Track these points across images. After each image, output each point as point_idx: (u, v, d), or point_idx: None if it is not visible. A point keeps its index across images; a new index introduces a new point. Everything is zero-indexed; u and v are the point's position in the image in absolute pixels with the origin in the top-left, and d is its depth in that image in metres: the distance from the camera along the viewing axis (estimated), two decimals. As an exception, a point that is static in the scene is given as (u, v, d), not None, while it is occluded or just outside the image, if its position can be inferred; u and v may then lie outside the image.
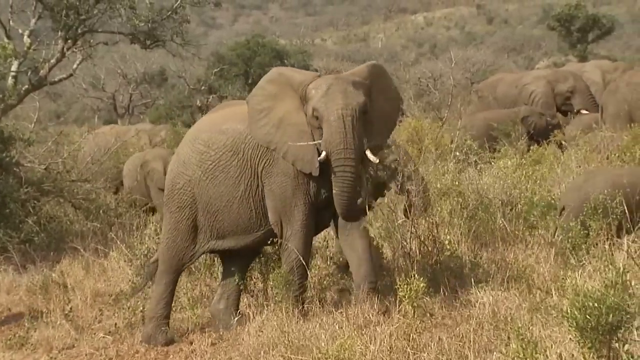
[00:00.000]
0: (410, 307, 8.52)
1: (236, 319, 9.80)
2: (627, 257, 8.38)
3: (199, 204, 9.65)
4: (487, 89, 24.75)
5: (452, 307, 9.08)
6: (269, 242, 9.56)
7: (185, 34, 20.24)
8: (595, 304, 6.74)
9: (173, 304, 10.24)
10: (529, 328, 7.51)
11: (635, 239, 9.26)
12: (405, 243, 10.22)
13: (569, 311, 6.79)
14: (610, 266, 7.27)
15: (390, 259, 10.64)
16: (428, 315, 8.77)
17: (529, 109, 19.81)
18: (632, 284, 7.26)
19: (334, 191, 8.91)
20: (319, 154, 8.95)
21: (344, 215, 9.07)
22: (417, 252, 10.16)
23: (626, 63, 28.85)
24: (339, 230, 9.47)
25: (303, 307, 9.27)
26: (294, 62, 42.96)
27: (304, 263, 9.28)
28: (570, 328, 6.87)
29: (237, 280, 10.10)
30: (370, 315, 8.92)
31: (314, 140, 9.04)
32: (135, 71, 44.01)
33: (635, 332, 6.87)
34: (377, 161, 9.05)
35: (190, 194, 9.69)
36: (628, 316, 6.81)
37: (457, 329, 8.41)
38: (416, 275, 8.68)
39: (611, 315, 6.70)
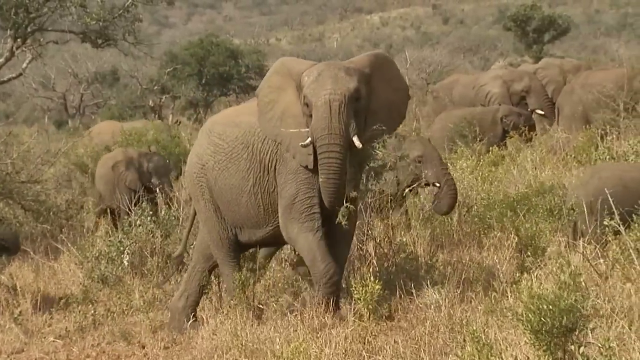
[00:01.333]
0: (365, 309, 8.46)
1: (189, 322, 9.67)
2: (583, 259, 8.36)
3: (214, 192, 9.56)
4: (443, 90, 24.78)
5: (408, 309, 9.03)
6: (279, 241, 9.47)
7: (138, 32, 20.12)
8: (550, 307, 6.71)
9: (126, 307, 10.12)
10: (484, 331, 7.47)
11: (591, 241, 9.25)
12: (360, 245, 10.16)
13: (523, 314, 6.76)
14: (564, 268, 7.25)
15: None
16: (384, 318, 8.69)
17: (508, 107, 19.81)
18: (587, 286, 7.26)
19: (320, 179, 8.61)
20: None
21: (329, 203, 8.71)
22: (373, 253, 10.11)
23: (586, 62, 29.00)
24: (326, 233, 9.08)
25: (337, 307, 8.85)
26: (248, 62, 42.96)
27: (322, 259, 8.79)
28: (525, 331, 6.84)
29: (202, 280, 9.97)
30: (326, 318, 8.84)
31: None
32: (86, 70, 43.76)
33: (590, 334, 6.85)
34: (360, 146, 8.54)
35: (205, 180, 9.61)
36: (583, 318, 6.80)
37: (413, 331, 8.37)
38: (372, 278, 8.63)
39: (566, 318, 6.68)
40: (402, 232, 11.02)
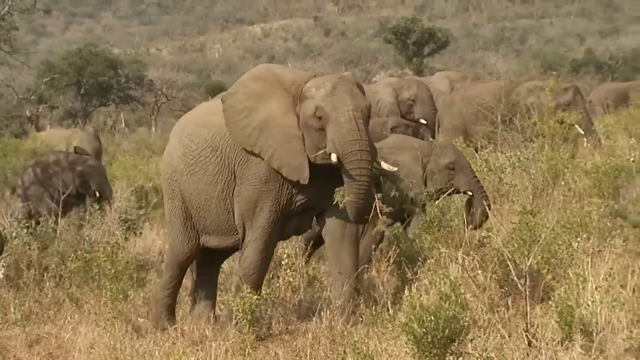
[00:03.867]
0: (245, 321, 8.40)
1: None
2: (462, 270, 8.46)
3: (184, 195, 9.24)
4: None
5: (289, 321, 9.00)
6: None
7: (14, 41, 19.74)
8: (432, 317, 6.77)
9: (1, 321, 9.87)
10: (365, 342, 7.47)
11: (470, 252, 9.35)
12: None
13: (407, 324, 6.81)
14: (445, 279, 7.33)
15: (228, 273, 10.53)
16: (264, 329, 8.65)
17: (397, 119, 19.87)
18: (467, 297, 7.34)
19: (347, 194, 8.43)
20: (310, 160, 8.56)
21: (356, 217, 8.62)
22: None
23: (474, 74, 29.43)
24: (330, 238, 8.95)
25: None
26: (128, 72, 42.54)
27: (259, 272, 8.81)
28: (407, 341, 6.89)
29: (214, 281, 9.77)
30: (206, 331, 8.78)
31: (304, 144, 8.61)
32: (-41, 79, 42.57)
33: (469, 345, 6.93)
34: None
35: (175, 183, 9.31)
36: (463, 329, 6.87)
37: (294, 343, 8.37)
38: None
39: (447, 329, 6.74)
40: (284, 244, 10.96)
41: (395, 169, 9.20)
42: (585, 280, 7.92)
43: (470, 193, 10.89)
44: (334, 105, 8.45)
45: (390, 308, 8.41)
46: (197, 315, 9.43)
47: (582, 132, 17.09)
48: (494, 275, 8.41)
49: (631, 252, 8.86)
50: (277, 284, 9.69)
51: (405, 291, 7.86)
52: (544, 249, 8.33)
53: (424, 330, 6.78)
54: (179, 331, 8.82)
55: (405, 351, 7.12)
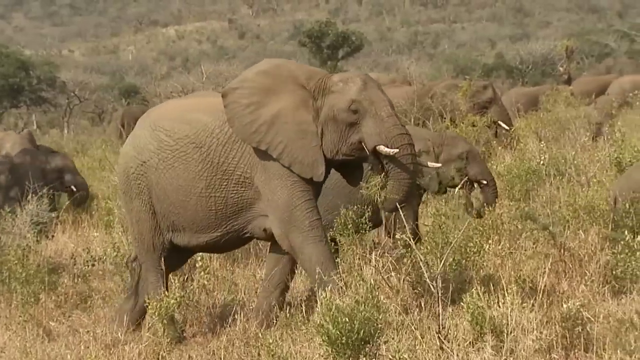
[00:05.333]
0: (160, 324, 8.36)
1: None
2: (376, 272, 8.52)
3: (153, 192, 8.85)
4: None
5: (203, 324, 8.99)
6: (230, 245, 9.04)
7: None
8: (346, 319, 6.81)
9: None
10: (279, 344, 7.48)
11: (385, 254, 9.42)
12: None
13: (321, 325, 6.84)
14: (361, 282, 7.38)
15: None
16: (178, 332, 8.62)
17: None
18: (381, 298, 7.39)
19: (390, 187, 8.25)
20: (327, 156, 8.41)
21: (390, 210, 8.61)
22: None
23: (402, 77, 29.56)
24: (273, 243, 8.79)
25: None
26: (40, 74, 41.97)
27: (329, 263, 8.34)
28: (322, 343, 6.92)
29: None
30: (119, 334, 8.71)
31: (320, 140, 8.42)
32: None
33: (382, 346, 6.99)
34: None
35: (143, 178, 8.88)
36: (377, 331, 6.93)
37: (208, 346, 8.37)
38: (166, 292, 8.54)
39: (362, 331, 6.79)
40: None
41: (439, 165, 9.21)
42: (497, 282, 8.05)
43: (484, 182, 11.00)
44: (371, 100, 8.37)
45: (304, 310, 8.44)
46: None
47: (506, 128, 17.36)
48: (407, 278, 8.48)
49: (541, 254, 9.02)
50: (192, 287, 9.65)
51: (322, 293, 7.88)
52: (456, 251, 8.43)
53: (338, 331, 6.82)
54: (92, 334, 8.74)
55: (320, 353, 7.16)
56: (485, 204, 10.83)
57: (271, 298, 8.85)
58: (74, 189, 15.40)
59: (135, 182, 8.96)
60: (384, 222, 10.52)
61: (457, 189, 10.94)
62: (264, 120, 8.45)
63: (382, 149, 8.22)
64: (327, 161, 8.45)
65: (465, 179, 10.95)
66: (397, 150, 8.18)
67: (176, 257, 9.25)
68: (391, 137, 8.25)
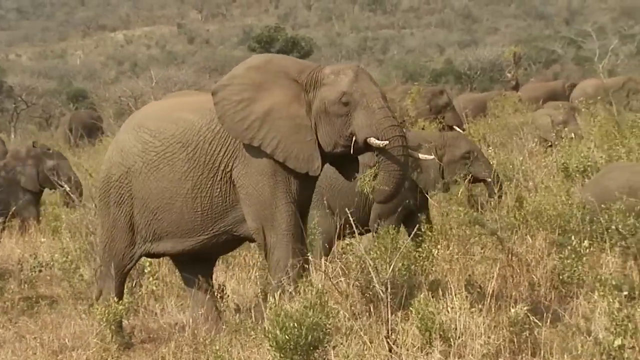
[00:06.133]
0: (108, 330, 8.31)
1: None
2: (325, 278, 8.53)
3: (137, 199, 8.60)
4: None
5: (151, 330, 8.95)
6: (219, 248, 8.80)
7: None
8: (295, 324, 6.82)
9: None
10: (228, 350, 7.49)
11: (334, 259, 9.44)
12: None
13: (270, 331, 6.85)
14: (309, 287, 7.39)
15: (90, 281, 10.39)
16: (127, 338, 8.58)
17: None
18: (330, 303, 7.41)
19: (381, 180, 8.11)
20: (323, 150, 8.26)
21: (383, 202, 8.61)
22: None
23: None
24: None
25: None
26: (-14, 77, 41.57)
27: (295, 269, 8.17)
28: (270, 348, 6.92)
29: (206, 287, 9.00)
30: (66, 340, 8.65)
31: (315, 135, 8.27)
32: None
33: (331, 352, 7.00)
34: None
35: (127, 187, 8.64)
36: (326, 336, 6.95)
37: (157, 352, 8.33)
38: (115, 298, 8.50)
39: (310, 336, 6.80)
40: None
41: (432, 157, 9.10)
42: (445, 287, 8.09)
43: (489, 179, 11.06)
44: (362, 92, 8.22)
45: (253, 315, 8.43)
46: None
47: (461, 132, 17.48)
48: (356, 283, 8.50)
49: (489, 259, 9.08)
50: (140, 293, 9.62)
51: (269, 298, 7.88)
52: (405, 256, 8.46)
53: (287, 337, 6.82)
54: (39, 341, 8.67)
55: (268, 358, 7.15)
56: (489, 201, 10.91)
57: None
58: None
59: (116, 190, 8.76)
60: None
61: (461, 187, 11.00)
62: (256, 117, 8.31)
63: (373, 141, 8.08)
64: (323, 155, 8.34)
65: (470, 177, 11.03)
66: (387, 142, 8.05)
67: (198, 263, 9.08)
68: (382, 129, 8.11)
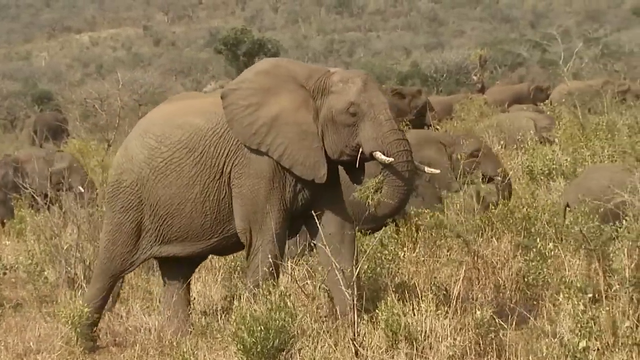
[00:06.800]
0: (73, 333, 8.28)
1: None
2: (291, 280, 8.54)
3: (146, 206, 8.53)
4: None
5: (117, 333, 8.91)
6: (229, 249, 8.79)
7: None
8: (262, 327, 6.83)
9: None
10: (194, 353, 7.48)
11: (300, 262, 9.44)
12: (69, 268, 9.96)
13: (236, 334, 6.85)
14: (275, 289, 7.39)
15: (55, 283, 10.34)
16: (92, 341, 8.54)
17: None
18: (295, 306, 7.42)
19: (386, 193, 8.02)
20: (329, 157, 8.19)
21: (386, 216, 8.66)
22: (82, 277, 9.92)
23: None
24: (328, 242, 8.27)
25: None
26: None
27: (272, 277, 8.08)
28: (237, 351, 6.93)
29: (182, 290, 8.94)
30: (31, 344, 8.60)
31: (322, 142, 8.20)
32: None
33: (297, 355, 7.03)
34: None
35: (137, 194, 8.55)
36: (292, 339, 6.96)
37: (122, 355, 8.32)
38: (80, 301, 8.46)
39: (277, 339, 6.82)
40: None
41: (438, 171, 8.96)
42: (411, 289, 8.12)
43: (499, 177, 11.05)
44: (370, 102, 8.13)
45: (220, 318, 8.42)
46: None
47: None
48: (322, 285, 8.51)
49: (455, 262, 9.12)
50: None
51: (235, 301, 7.87)
52: (371, 258, 8.47)
53: (253, 340, 6.83)
54: (3, 344, 8.62)
55: (234, 361, 7.17)
56: (499, 199, 10.91)
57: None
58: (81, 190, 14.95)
59: (126, 196, 8.68)
60: None
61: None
62: (263, 122, 8.27)
63: (379, 155, 8.02)
64: (329, 162, 8.28)
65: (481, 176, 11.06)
66: (393, 159, 7.98)
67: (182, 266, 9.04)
68: (388, 142, 8.04)
